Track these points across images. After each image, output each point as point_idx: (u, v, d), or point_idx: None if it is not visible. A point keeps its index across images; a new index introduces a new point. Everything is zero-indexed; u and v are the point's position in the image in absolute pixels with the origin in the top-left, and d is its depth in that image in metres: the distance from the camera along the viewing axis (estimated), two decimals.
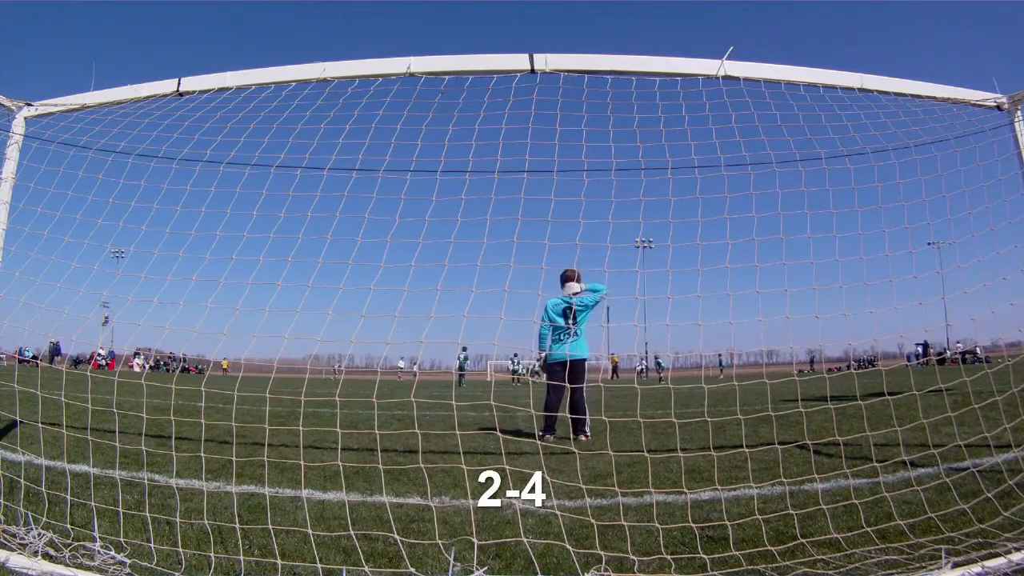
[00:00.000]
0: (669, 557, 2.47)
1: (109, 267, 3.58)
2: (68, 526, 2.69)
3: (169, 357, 39.80)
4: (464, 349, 16.32)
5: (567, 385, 5.61)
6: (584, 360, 6.18)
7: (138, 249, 3.16)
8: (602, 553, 2.47)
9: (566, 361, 5.92)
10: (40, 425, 3.13)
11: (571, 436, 5.62)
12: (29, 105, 3.19)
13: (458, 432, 4.41)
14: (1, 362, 23.77)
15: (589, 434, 5.79)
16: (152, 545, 2.52)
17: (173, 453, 3.27)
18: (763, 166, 3.12)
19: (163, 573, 2.32)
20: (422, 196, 3.04)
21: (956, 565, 2.28)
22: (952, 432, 3.29)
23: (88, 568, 2.34)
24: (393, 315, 2.78)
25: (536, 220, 2.90)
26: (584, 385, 6.09)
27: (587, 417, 5.79)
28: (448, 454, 5.11)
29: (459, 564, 2.43)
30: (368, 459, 4.43)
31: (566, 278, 6.21)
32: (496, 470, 3.12)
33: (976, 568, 2.25)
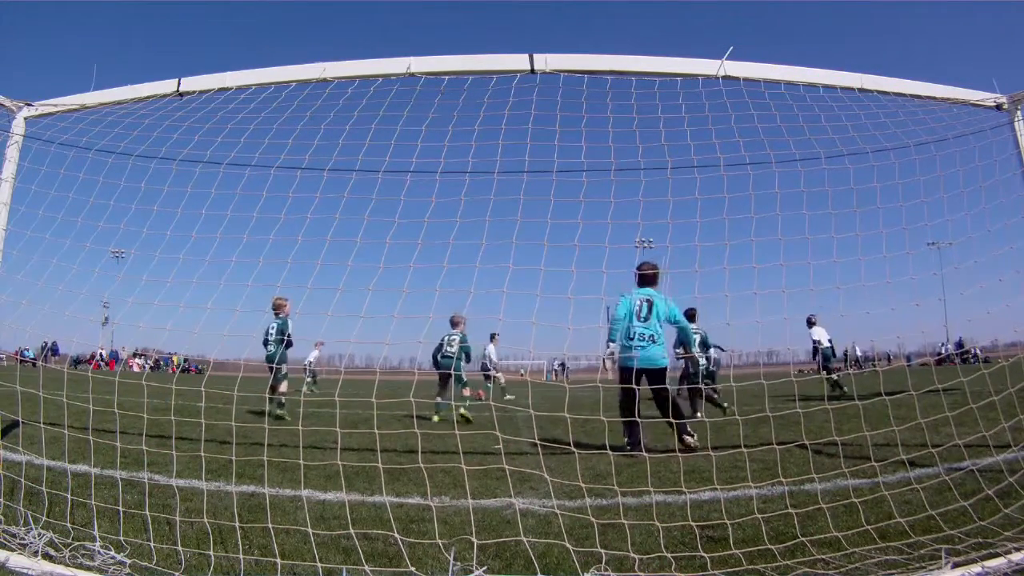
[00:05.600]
0: (669, 556, 2.47)
1: (109, 268, 3.58)
2: (68, 526, 2.69)
3: (161, 358, 39.69)
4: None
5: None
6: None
7: (139, 251, 3.16)
8: (603, 551, 2.47)
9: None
10: (41, 425, 3.13)
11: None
12: (29, 105, 3.19)
13: (458, 432, 4.41)
14: (1, 362, 23.74)
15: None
16: (152, 545, 2.52)
17: (173, 453, 3.26)
18: (762, 166, 3.12)
19: (163, 573, 2.33)
20: (421, 197, 3.05)
21: (956, 565, 2.28)
22: (951, 432, 3.29)
23: (88, 568, 2.34)
24: (392, 315, 2.79)
25: (535, 221, 2.91)
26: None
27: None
28: (448, 454, 5.11)
29: (459, 564, 2.43)
30: (368, 459, 4.43)
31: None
32: (496, 470, 3.12)
33: (976, 568, 2.25)
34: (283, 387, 8.38)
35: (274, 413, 7.88)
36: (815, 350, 12.30)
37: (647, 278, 5.62)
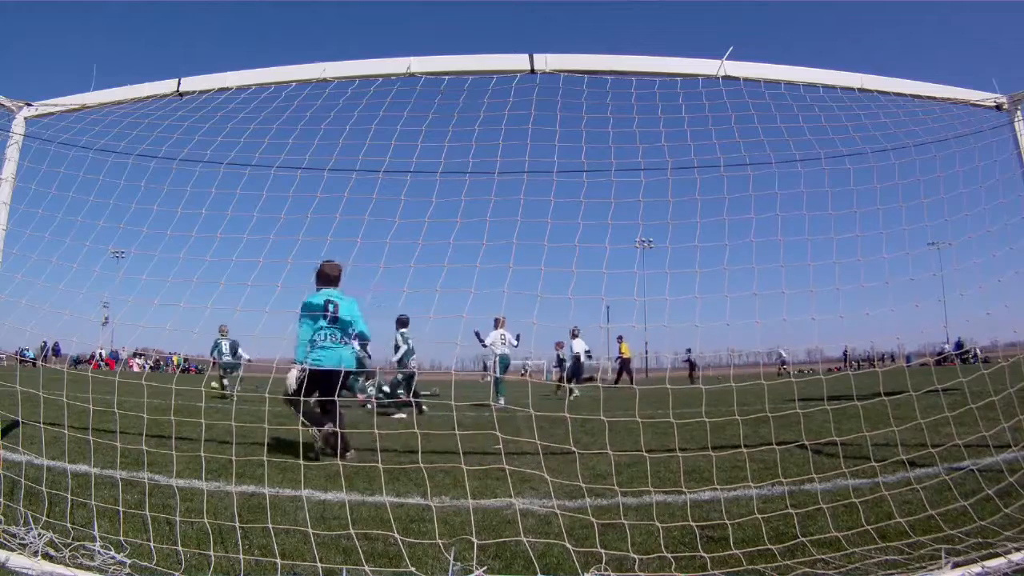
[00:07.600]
0: (669, 556, 2.47)
1: (109, 268, 3.59)
2: (68, 526, 2.69)
3: (162, 358, 39.63)
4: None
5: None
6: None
7: (139, 250, 3.16)
8: (603, 551, 2.47)
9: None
10: (41, 425, 3.12)
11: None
12: (29, 105, 3.18)
13: (458, 432, 4.40)
14: (1, 362, 23.71)
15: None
16: (152, 545, 2.52)
17: (173, 453, 3.26)
18: (762, 167, 3.12)
19: (163, 573, 2.33)
20: (422, 197, 3.04)
21: (956, 565, 2.29)
22: (951, 432, 3.29)
23: (88, 568, 2.34)
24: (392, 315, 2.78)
25: (535, 221, 2.90)
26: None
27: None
28: (448, 454, 5.11)
29: (459, 564, 2.43)
30: (368, 459, 4.43)
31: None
32: (496, 470, 3.12)
33: (976, 568, 2.25)
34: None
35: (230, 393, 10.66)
36: (576, 359, 13.21)
37: (330, 279, 5.40)
